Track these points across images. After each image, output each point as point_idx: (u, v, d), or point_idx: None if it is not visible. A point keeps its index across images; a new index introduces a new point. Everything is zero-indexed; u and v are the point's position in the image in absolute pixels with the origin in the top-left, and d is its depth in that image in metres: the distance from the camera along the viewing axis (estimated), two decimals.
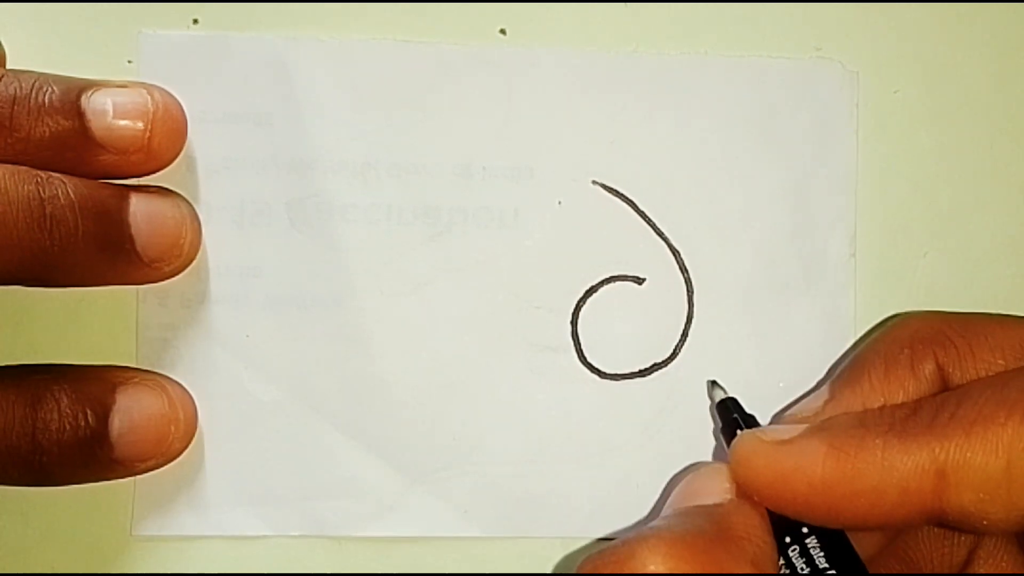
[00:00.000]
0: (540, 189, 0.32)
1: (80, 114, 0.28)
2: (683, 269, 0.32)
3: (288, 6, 0.31)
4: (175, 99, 0.30)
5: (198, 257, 0.30)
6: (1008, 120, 0.33)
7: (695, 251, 0.32)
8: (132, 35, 0.31)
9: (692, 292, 0.32)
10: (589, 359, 0.31)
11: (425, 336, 0.31)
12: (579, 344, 0.32)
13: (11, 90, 0.28)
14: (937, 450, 0.23)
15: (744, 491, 0.26)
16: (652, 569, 0.23)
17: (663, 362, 0.32)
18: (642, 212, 0.32)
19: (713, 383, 0.31)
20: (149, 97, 0.29)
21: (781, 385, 0.32)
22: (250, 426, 0.31)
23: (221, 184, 0.31)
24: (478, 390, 0.31)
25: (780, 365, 0.32)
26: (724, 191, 0.32)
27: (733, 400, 0.30)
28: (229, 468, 0.31)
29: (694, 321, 0.32)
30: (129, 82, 0.29)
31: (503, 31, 0.32)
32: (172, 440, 0.30)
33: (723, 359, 0.32)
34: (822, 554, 0.25)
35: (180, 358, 0.31)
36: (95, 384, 0.29)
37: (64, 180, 0.27)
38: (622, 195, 0.32)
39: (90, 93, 0.28)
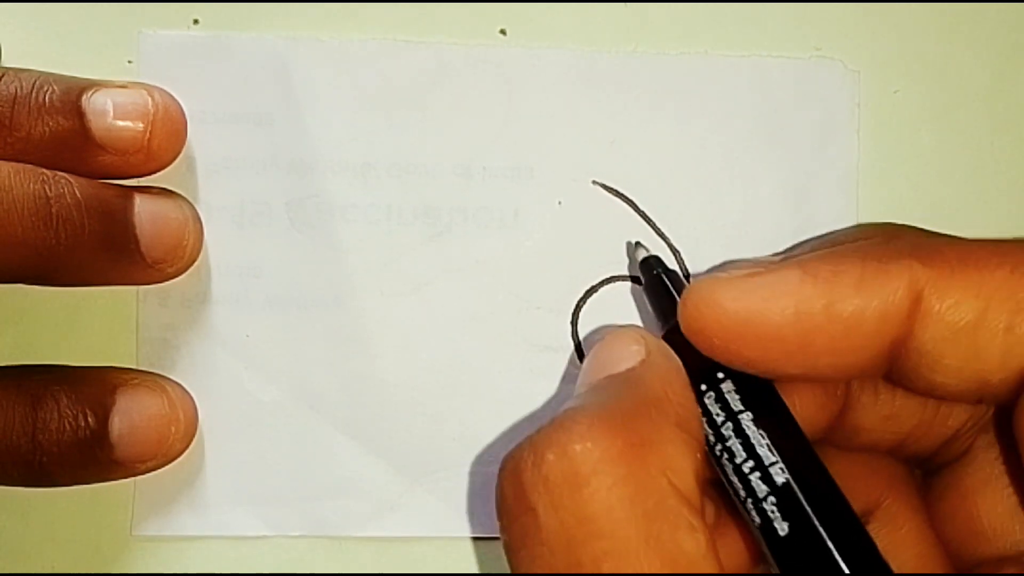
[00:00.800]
0: (540, 189, 0.32)
1: (80, 114, 0.28)
2: (683, 268, 0.32)
3: (288, 6, 0.31)
4: (175, 100, 0.30)
5: (199, 257, 0.30)
6: (1009, 119, 0.33)
7: (695, 251, 0.32)
8: (132, 35, 0.30)
9: None
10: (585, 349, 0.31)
11: (425, 336, 0.31)
12: (579, 344, 0.32)
13: (11, 89, 0.28)
14: (919, 272, 0.22)
15: (697, 340, 0.24)
16: (577, 451, 0.21)
17: None
18: (642, 212, 0.32)
19: (636, 243, 0.30)
20: (149, 98, 0.29)
21: None
22: (250, 426, 0.31)
23: (221, 184, 0.31)
24: (478, 390, 0.31)
25: None
26: (724, 191, 0.32)
27: (656, 258, 0.29)
28: (229, 468, 0.31)
29: None
30: (129, 83, 0.29)
31: (503, 31, 0.32)
32: (172, 441, 0.30)
33: None
34: (738, 397, 0.24)
35: (180, 358, 0.31)
36: (95, 385, 0.29)
37: (70, 179, 0.27)
38: (622, 195, 0.32)
39: (90, 93, 0.28)
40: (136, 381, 0.29)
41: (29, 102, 0.28)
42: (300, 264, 0.31)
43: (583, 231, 0.32)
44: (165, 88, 0.30)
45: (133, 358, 0.31)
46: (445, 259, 0.31)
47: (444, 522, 0.31)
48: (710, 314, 0.24)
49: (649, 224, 0.32)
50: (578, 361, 0.31)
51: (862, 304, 0.22)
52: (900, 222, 0.32)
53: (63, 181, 0.27)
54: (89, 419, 0.28)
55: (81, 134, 0.28)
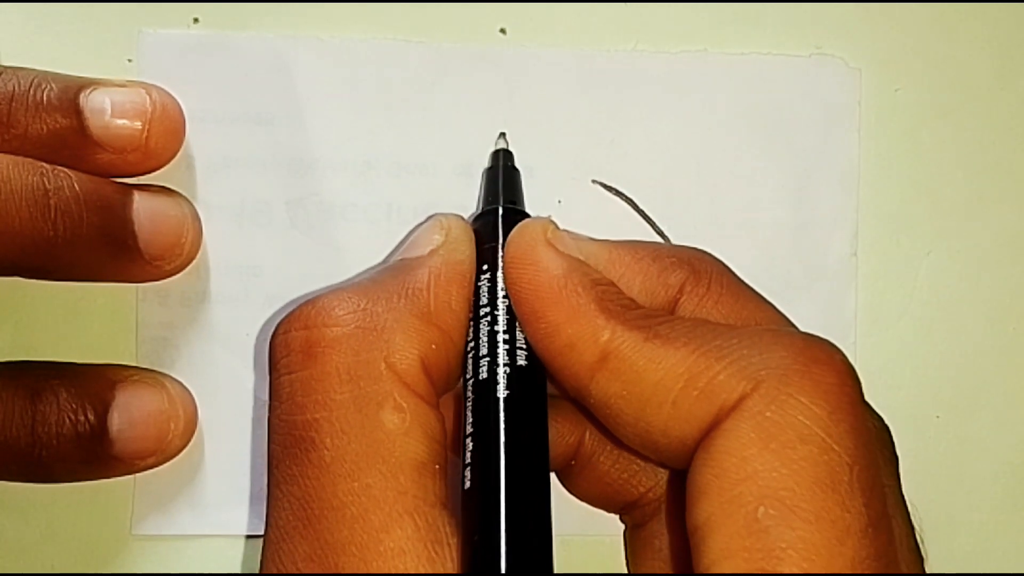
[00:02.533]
0: (540, 188, 0.32)
1: (78, 112, 0.28)
2: None
3: (288, 5, 0.31)
4: (173, 99, 0.30)
5: (198, 256, 0.31)
6: (1010, 117, 0.33)
7: None
8: (132, 34, 0.31)
9: None
10: None
11: None
12: None
13: (9, 87, 0.28)
14: (616, 335, 0.24)
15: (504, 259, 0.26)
16: (317, 327, 0.24)
17: None
18: (642, 211, 0.32)
19: (502, 134, 0.31)
20: (147, 97, 0.29)
21: None
22: (250, 425, 0.31)
23: (221, 183, 0.31)
24: None
25: None
26: (725, 190, 0.32)
27: (508, 152, 0.31)
28: (229, 467, 0.31)
29: None
30: (127, 81, 0.29)
31: (503, 30, 0.32)
32: (172, 438, 0.30)
33: None
34: (503, 294, 0.26)
35: (180, 357, 0.31)
36: (95, 380, 0.29)
37: (69, 173, 0.28)
38: (622, 194, 0.32)
39: (88, 92, 0.28)
40: (136, 377, 0.30)
41: (27, 100, 0.28)
42: (300, 263, 0.31)
43: (583, 230, 0.31)
44: (165, 87, 0.30)
45: (133, 357, 0.31)
46: None
47: None
48: (511, 249, 0.26)
49: (648, 223, 0.32)
50: None
51: (565, 324, 0.25)
52: (902, 221, 0.32)
53: (62, 175, 0.27)
54: (88, 414, 0.28)
55: (79, 132, 0.28)
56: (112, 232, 0.28)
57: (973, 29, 0.33)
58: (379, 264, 0.30)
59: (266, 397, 0.31)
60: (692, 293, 0.26)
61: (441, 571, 0.22)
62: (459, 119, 0.31)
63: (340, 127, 0.31)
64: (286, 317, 0.25)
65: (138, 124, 0.29)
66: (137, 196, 0.29)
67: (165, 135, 0.29)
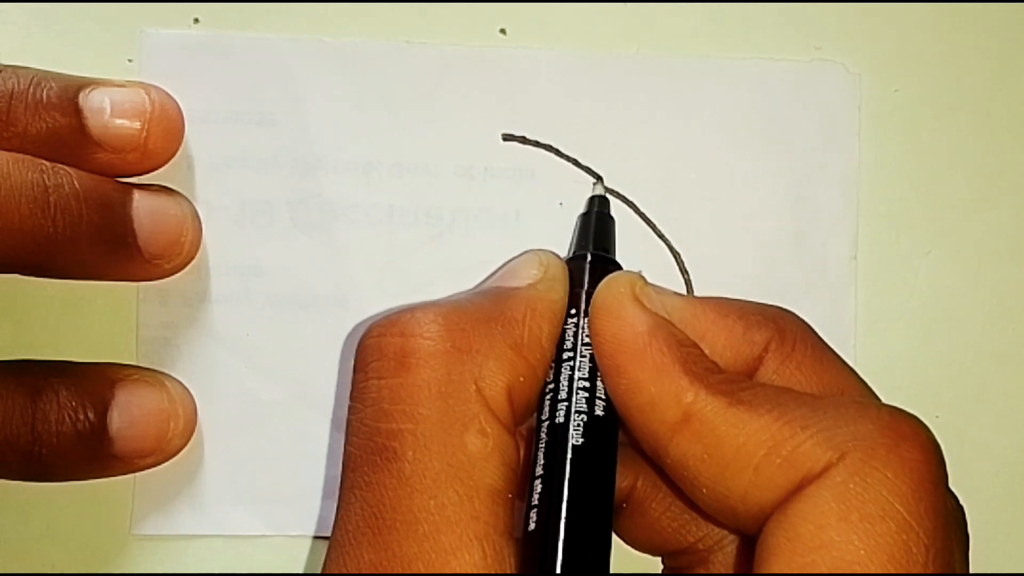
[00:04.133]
0: (542, 190, 0.32)
1: (77, 112, 0.28)
2: (684, 270, 0.32)
3: (289, 6, 0.31)
4: (172, 99, 0.30)
5: (199, 256, 0.31)
6: (1009, 117, 0.33)
7: (696, 253, 0.32)
8: (132, 34, 0.31)
9: (693, 293, 0.32)
10: None
11: None
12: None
13: (9, 85, 0.28)
14: (699, 397, 0.24)
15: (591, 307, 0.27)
16: (414, 338, 0.24)
17: None
18: (643, 214, 0.32)
19: (599, 178, 0.32)
20: (146, 96, 0.29)
21: None
22: (250, 425, 0.31)
23: (222, 183, 0.31)
24: None
25: None
26: (725, 193, 0.32)
27: (604, 199, 0.31)
28: (228, 467, 0.31)
29: None
30: (127, 81, 0.29)
31: (503, 31, 0.32)
32: (171, 437, 0.30)
33: None
34: (587, 375, 0.26)
35: (180, 357, 0.31)
36: (95, 379, 0.29)
37: (69, 171, 0.28)
38: (623, 197, 0.32)
39: (88, 91, 0.28)
40: (136, 376, 0.29)
41: (26, 98, 0.28)
42: (301, 264, 0.31)
43: None
44: (165, 87, 0.30)
45: (133, 356, 0.31)
46: (446, 259, 0.31)
47: None
48: (598, 299, 0.26)
49: (649, 225, 0.32)
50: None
51: (647, 382, 0.25)
52: (902, 224, 0.32)
53: (62, 172, 0.27)
54: (88, 412, 0.28)
55: (78, 131, 0.28)
56: (112, 230, 0.28)
57: (972, 32, 0.33)
58: (473, 288, 0.30)
59: (266, 397, 0.31)
60: (776, 352, 0.26)
61: None
62: (460, 120, 0.31)
63: (341, 128, 0.31)
64: (381, 321, 0.25)
65: (137, 124, 0.29)
66: (137, 195, 0.29)
67: (164, 135, 0.29)
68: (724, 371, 0.25)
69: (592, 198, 0.31)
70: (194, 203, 0.30)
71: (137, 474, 0.30)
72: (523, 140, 0.32)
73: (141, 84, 0.29)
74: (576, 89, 0.32)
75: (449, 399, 0.24)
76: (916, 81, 0.33)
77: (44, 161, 0.27)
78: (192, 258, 0.30)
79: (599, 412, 0.26)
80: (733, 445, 0.23)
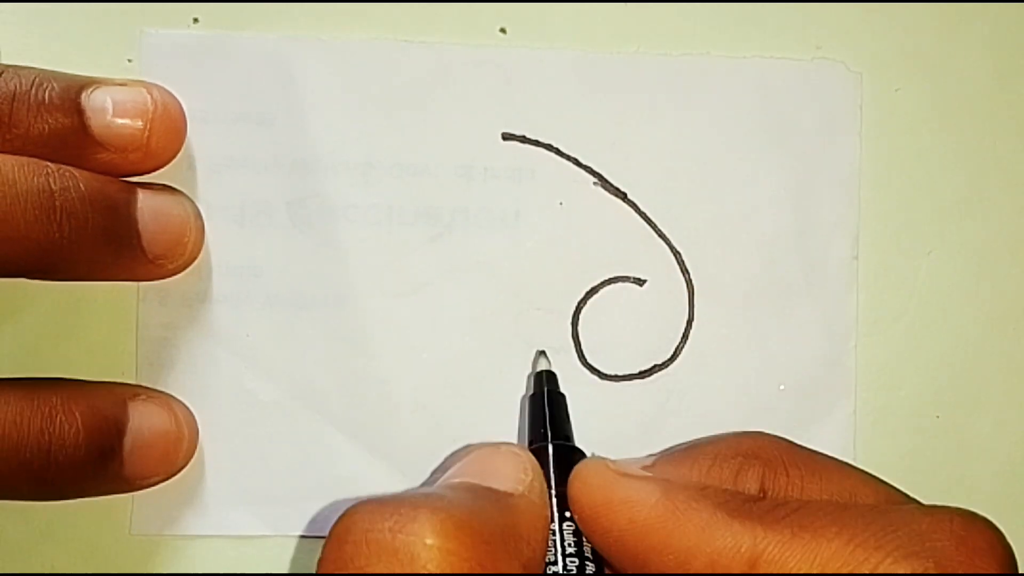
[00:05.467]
0: (541, 190, 0.32)
1: (80, 111, 0.28)
2: (684, 271, 0.32)
3: (288, 6, 0.31)
4: (174, 98, 0.30)
5: (199, 256, 0.30)
6: (1010, 117, 0.33)
7: (696, 252, 0.32)
8: (132, 34, 0.30)
9: (693, 294, 0.32)
10: (589, 360, 0.31)
11: (425, 336, 0.31)
12: (579, 345, 0.32)
13: (11, 86, 0.28)
14: (759, 538, 0.23)
15: (575, 508, 0.26)
16: (428, 542, 0.21)
17: (663, 363, 0.32)
18: (643, 213, 0.32)
19: (541, 352, 0.31)
20: (148, 96, 0.29)
21: (781, 387, 0.32)
22: (250, 426, 0.31)
23: (222, 183, 0.31)
24: (478, 391, 0.31)
25: (781, 367, 0.32)
26: (726, 192, 0.32)
27: (551, 374, 0.30)
28: (229, 468, 0.31)
29: (695, 323, 0.32)
30: (129, 80, 0.29)
31: (503, 30, 0.32)
32: (177, 458, 0.30)
33: (724, 361, 0.32)
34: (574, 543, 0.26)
35: (180, 357, 0.31)
36: (107, 400, 0.29)
37: (74, 173, 0.27)
38: (623, 196, 0.32)
39: (90, 91, 0.28)
40: (144, 397, 0.30)
41: (28, 99, 0.28)
42: (301, 264, 0.31)
43: (584, 232, 0.32)
44: (165, 87, 0.30)
45: (133, 357, 0.31)
46: (446, 259, 0.31)
47: None
48: (581, 491, 0.25)
49: (650, 225, 0.32)
50: (578, 362, 0.31)
51: (695, 547, 0.23)
52: (903, 224, 0.32)
53: (67, 175, 0.27)
54: (103, 436, 0.28)
55: (80, 131, 0.28)
56: (117, 231, 0.28)
57: (973, 30, 0.33)
58: (454, 477, 0.26)
59: (266, 398, 0.31)
60: (774, 484, 0.25)
61: None
62: (460, 120, 0.31)
63: (341, 128, 0.31)
64: (370, 507, 0.22)
65: (139, 123, 0.29)
66: (141, 195, 0.29)
67: (166, 134, 0.29)
68: (764, 498, 0.24)
69: (539, 374, 0.30)
70: (194, 202, 0.30)
71: None
72: (523, 140, 0.32)
73: (143, 83, 0.29)
74: (576, 89, 0.32)
75: None
76: (917, 80, 0.33)
77: (49, 164, 0.27)
78: (195, 258, 0.30)
79: None
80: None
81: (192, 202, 0.30)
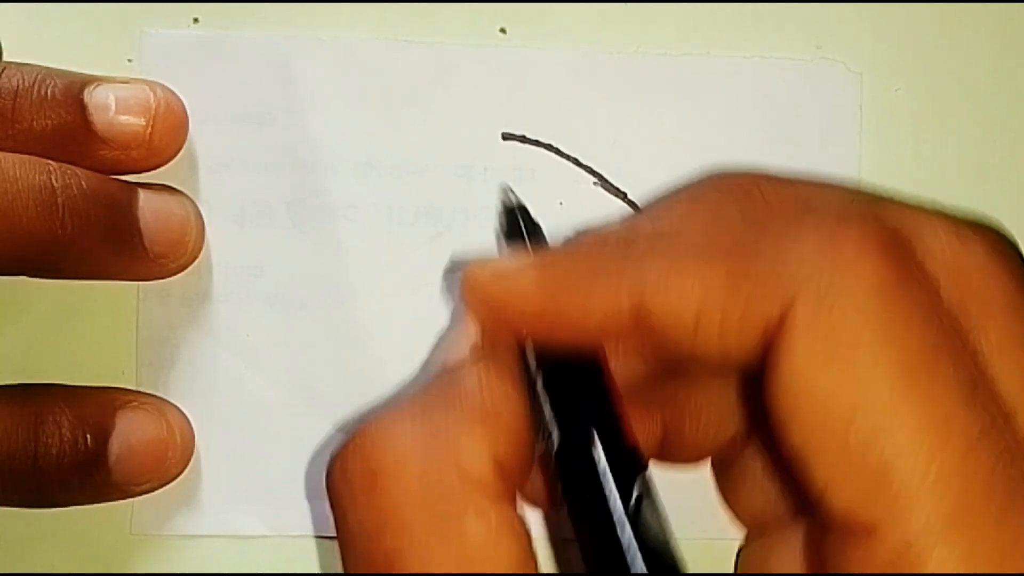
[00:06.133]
0: (542, 190, 0.32)
1: (82, 108, 0.28)
2: None
3: (288, 6, 0.31)
4: (176, 96, 0.30)
5: (200, 256, 0.31)
6: (1011, 118, 0.33)
7: None
8: (132, 34, 0.31)
9: None
10: None
11: (426, 336, 0.31)
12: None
13: (14, 82, 0.28)
14: (634, 284, 0.23)
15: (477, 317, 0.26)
16: (373, 451, 0.23)
17: None
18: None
19: (508, 189, 0.30)
20: (151, 93, 0.29)
21: None
22: (250, 425, 0.31)
23: (222, 183, 0.31)
24: None
25: None
26: None
27: (523, 208, 0.29)
28: (229, 467, 0.31)
29: None
30: (131, 78, 0.30)
31: (503, 30, 0.32)
32: (168, 465, 0.30)
33: None
34: (534, 361, 0.25)
35: (180, 357, 0.31)
36: (95, 407, 0.29)
37: (76, 171, 0.28)
38: (623, 196, 0.32)
39: (92, 88, 0.28)
40: (135, 404, 0.30)
41: (31, 95, 0.28)
42: (301, 263, 0.31)
43: None
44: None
45: (133, 357, 0.31)
46: (446, 259, 0.31)
47: None
48: (471, 299, 0.25)
49: None
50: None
51: (582, 314, 0.23)
52: None
53: (69, 173, 0.27)
54: (89, 442, 0.28)
55: (83, 128, 0.28)
56: (118, 229, 0.28)
57: (973, 29, 0.33)
58: (418, 377, 0.29)
59: (266, 397, 0.31)
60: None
61: None
62: (460, 120, 0.31)
63: (341, 128, 0.31)
64: (340, 449, 0.23)
65: (142, 120, 0.29)
66: (142, 194, 0.29)
67: (169, 131, 0.29)
68: (633, 238, 0.24)
69: (511, 210, 0.29)
70: (195, 201, 0.31)
71: None
72: (523, 139, 0.32)
73: (145, 81, 0.30)
74: (576, 89, 0.32)
75: (434, 499, 0.22)
76: (917, 80, 0.33)
77: (51, 162, 0.27)
78: (196, 257, 0.30)
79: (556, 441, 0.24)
80: (686, 321, 0.22)
81: (192, 202, 0.30)
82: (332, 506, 0.23)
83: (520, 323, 0.24)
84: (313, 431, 0.31)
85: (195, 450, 0.31)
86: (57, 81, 0.28)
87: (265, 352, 0.31)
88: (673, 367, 0.27)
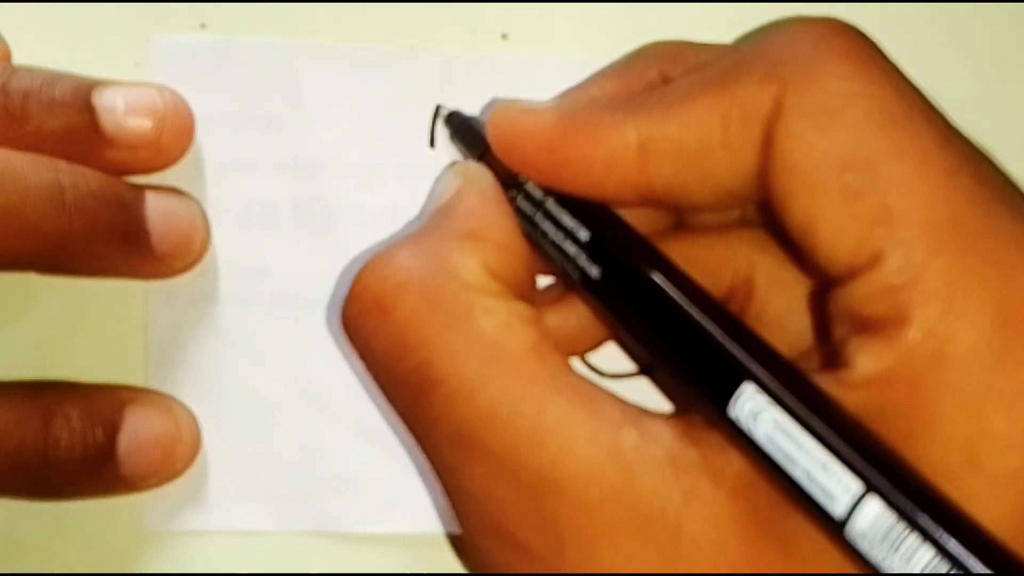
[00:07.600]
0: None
1: (91, 110, 0.28)
2: None
3: (294, 11, 0.32)
4: (183, 99, 0.30)
5: (206, 257, 0.31)
6: (1009, 118, 0.33)
7: None
8: (140, 38, 0.31)
9: None
10: (589, 359, 0.32)
11: None
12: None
13: (23, 84, 0.28)
14: (641, 124, 0.25)
15: (497, 151, 0.28)
16: (379, 283, 0.25)
17: None
18: None
19: (438, 107, 0.31)
20: (159, 96, 0.29)
21: None
22: (256, 424, 0.31)
23: (229, 185, 0.31)
24: None
25: None
26: None
27: (457, 112, 0.31)
28: (236, 465, 0.31)
29: None
30: (139, 81, 0.30)
31: (505, 36, 0.32)
32: (176, 460, 0.30)
33: None
34: (539, 190, 0.27)
35: (187, 357, 0.31)
36: (105, 402, 0.29)
37: (84, 170, 0.28)
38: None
39: (101, 90, 0.29)
40: (143, 400, 0.30)
41: (41, 97, 0.28)
42: (306, 265, 0.31)
43: None
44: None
45: (141, 356, 0.31)
46: None
47: (449, 518, 0.31)
48: (494, 134, 0.27)
49: None
50: (578, 361, 0.32)
51: (590, 153, 0.26)
52: None
53: (78, 172, 0.28)
54: (98, 436, 0.29)
55: (92, 129, 0.28)
56: (125, 228, 0.29)
57: (972, 29, 0.33)
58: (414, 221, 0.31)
59: (273, 396, 0.31)
60: (674, 73, 0.27)
61: (602, 415, 0.23)
62: None
63: (345, 131, 0.32)
64: (348, 293, 0.26)
65: (150, 122, 0.29)
66: (149, 195, 0.30)
67: (176, 133, 0.30)
68: (638, 94, 0.26)
69: (451, 116, 0.31)
70: (202, 205, 0.31)
71: None
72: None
73: (153, 84, 0.30)
74: None
75: (441, 307, 0.24)
76: (917, 80, 0.33)
77: (60, 161, 0.28)
78: (201, 258, 0.31)
79: (584, 236, 0.26)
80: (693, 141, 0.24)
81: (198, 204, 0.31)
82: (355, 348, 0.26)
83: (539, 157, 0.26)
84: (318, 428, 0.31)
85: (203, 448, 0.31)
86: (66, 83, 0.29)
87: (271, 351, 0.31)
88: (676, 222, 0.29)
